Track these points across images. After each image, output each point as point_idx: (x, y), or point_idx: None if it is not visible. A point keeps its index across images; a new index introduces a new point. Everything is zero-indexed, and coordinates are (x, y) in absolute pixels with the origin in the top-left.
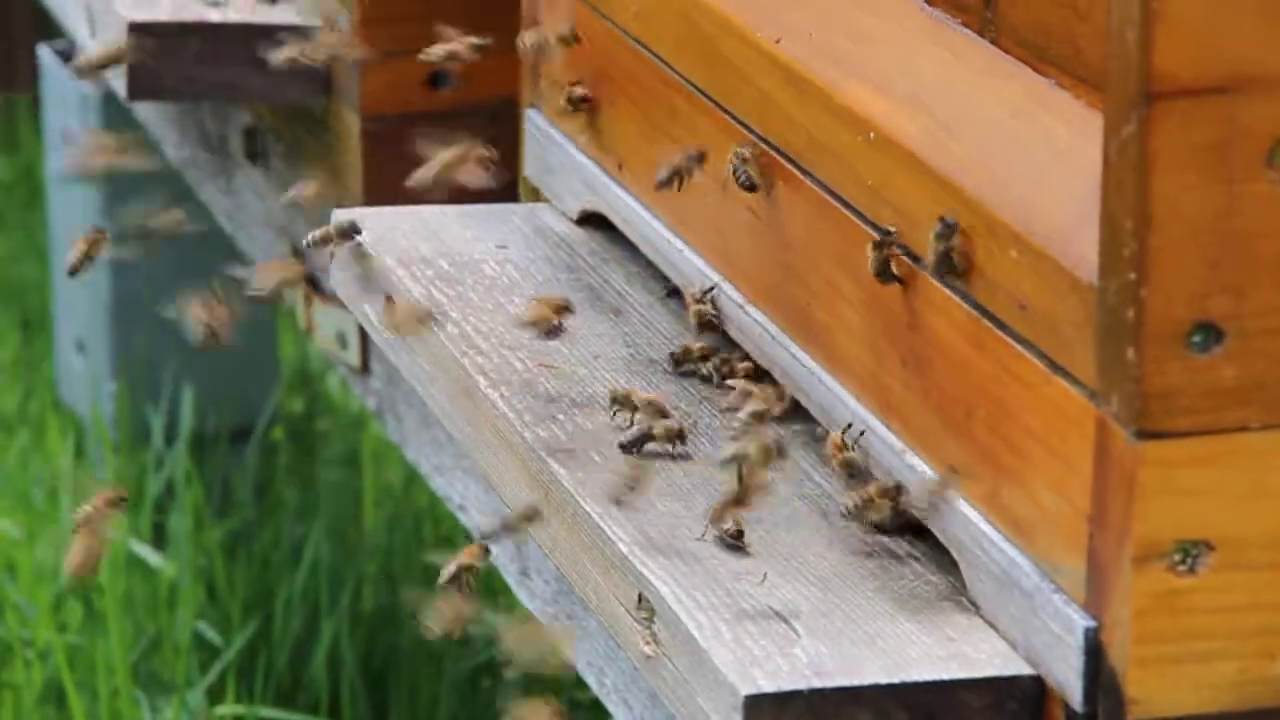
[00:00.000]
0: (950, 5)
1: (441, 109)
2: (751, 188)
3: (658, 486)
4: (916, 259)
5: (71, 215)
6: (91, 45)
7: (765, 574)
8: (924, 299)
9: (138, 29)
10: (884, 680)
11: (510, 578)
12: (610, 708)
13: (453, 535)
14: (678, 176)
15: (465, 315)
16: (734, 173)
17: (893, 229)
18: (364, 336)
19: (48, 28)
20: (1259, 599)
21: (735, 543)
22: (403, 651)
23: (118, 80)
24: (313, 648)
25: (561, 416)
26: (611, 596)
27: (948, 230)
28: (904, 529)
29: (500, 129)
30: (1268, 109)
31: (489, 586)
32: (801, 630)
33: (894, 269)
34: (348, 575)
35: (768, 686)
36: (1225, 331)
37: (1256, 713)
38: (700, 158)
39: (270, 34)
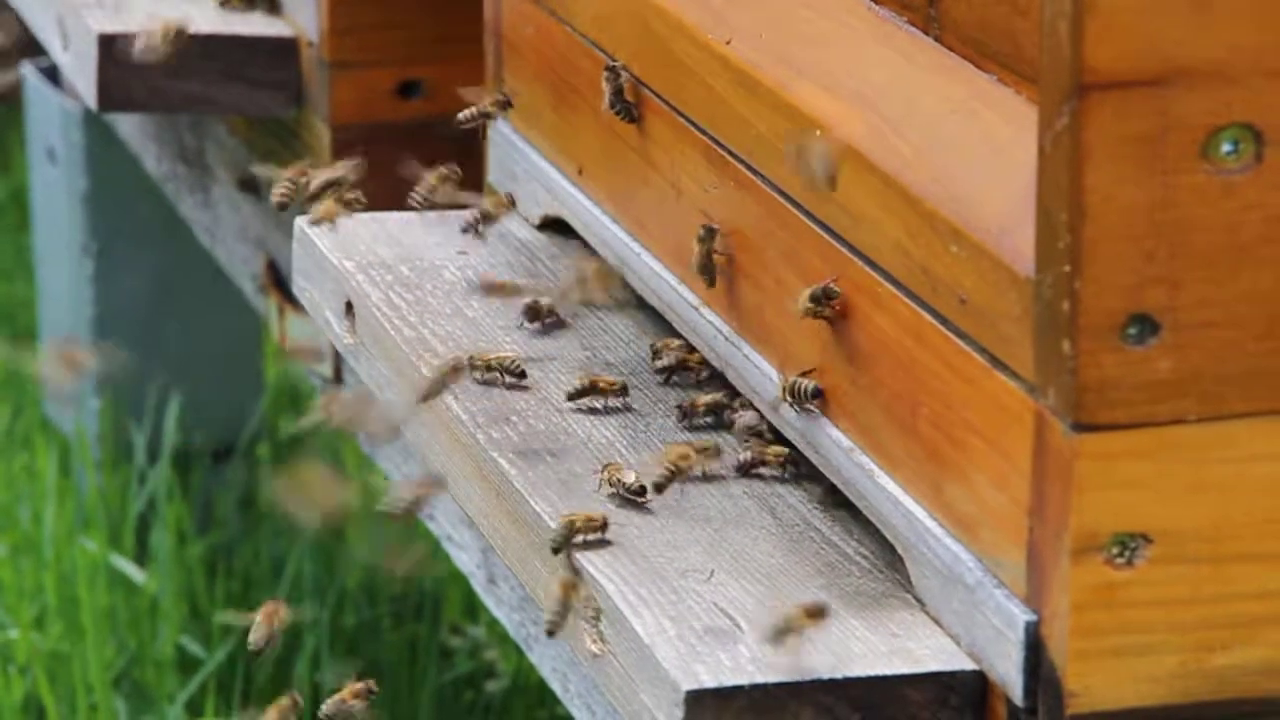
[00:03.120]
0: (896, 4)
1: (410, 118)
2: (632, 119)
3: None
4: (864, 256)
5: (57, 232)
6: (64, 58)
7: (712, 571)
8: (869, 296)
9: (107, 41)
10: (826, 675)
11: (478, 585)
12: (574, 712)
13: (433, 549)
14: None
15: (423, 319)
16: (610, 104)
17: (838, 290)
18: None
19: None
20: (1197, 592)
21: (632, 497)
22: (384, 665)
23: (89, 93)
24: (294, 661)
25: (515, 418)
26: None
27: (708, 234)
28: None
29: (466, 137)
30: (1200, 101)
31: (471, 604)
32: (745, 626)
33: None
34: (329, 591)
35: (709, 682)
36: (1160, 324)
37: (1196, 705)
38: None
39: (240, 45)
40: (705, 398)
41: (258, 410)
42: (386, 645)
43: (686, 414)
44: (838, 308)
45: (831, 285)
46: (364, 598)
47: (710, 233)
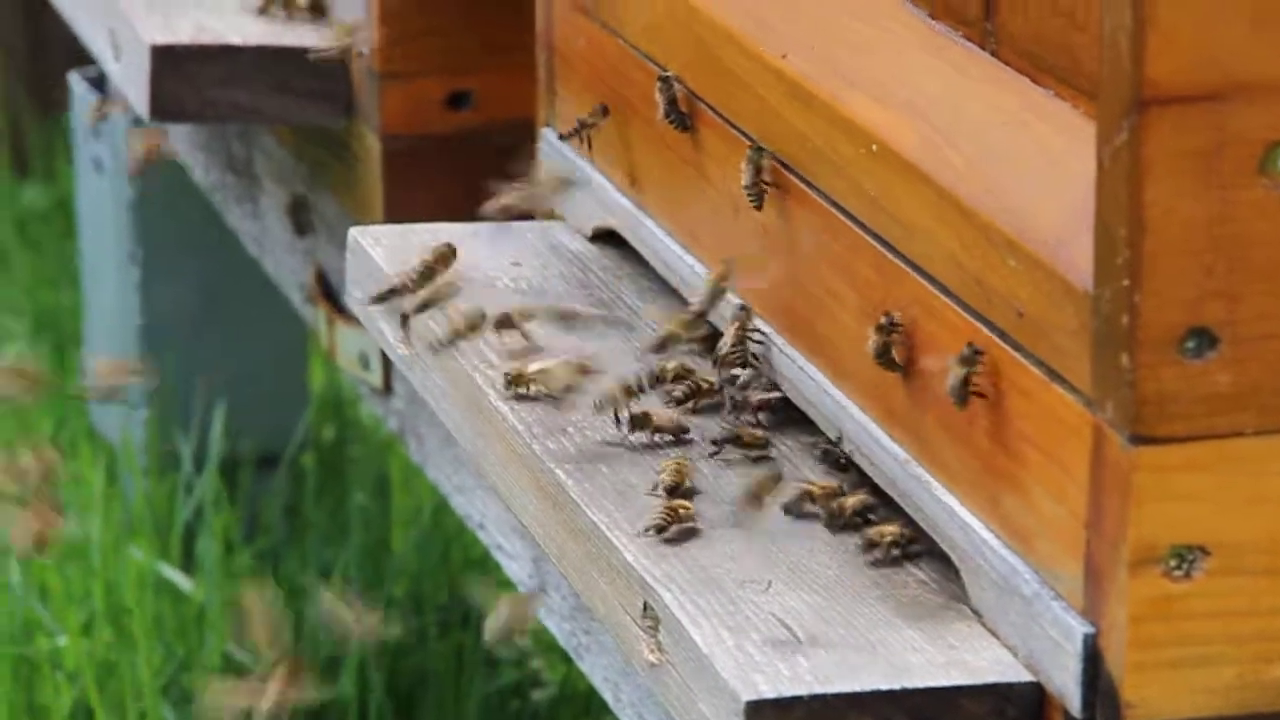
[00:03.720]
0: (952, 18)
1: (459, 129)
2: (685, 128)
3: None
4: (918, 268)
5: (104, 242)
6: (115, 68)
7: (770, 581)
8: (924, 308)
9: (159, 52)
10: (884, 686)
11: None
12: None
13: (481, 558)
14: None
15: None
16: (665, 115)
17: (898, 317)
18: (386, 357)
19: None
20: (1256, 604)
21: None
22: (430, 674)
23: (140, 103)
24: (340, 671)
25: (570, 429)
26: (618, 606)
27: (890, 325)
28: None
29: (515, 148)
30: (1259, 115)
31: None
32: (804, 637)
33: (894, 355)
34: (376, 599)
35: (769, 692)
36: (1219, 337)
37: (1253, 717)
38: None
39: (290, 56)
40: (848, 498)
41: (304, 418)
42: (433, 654)
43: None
44: (902, 337)
45: (894, 316)
46: (410, 606)
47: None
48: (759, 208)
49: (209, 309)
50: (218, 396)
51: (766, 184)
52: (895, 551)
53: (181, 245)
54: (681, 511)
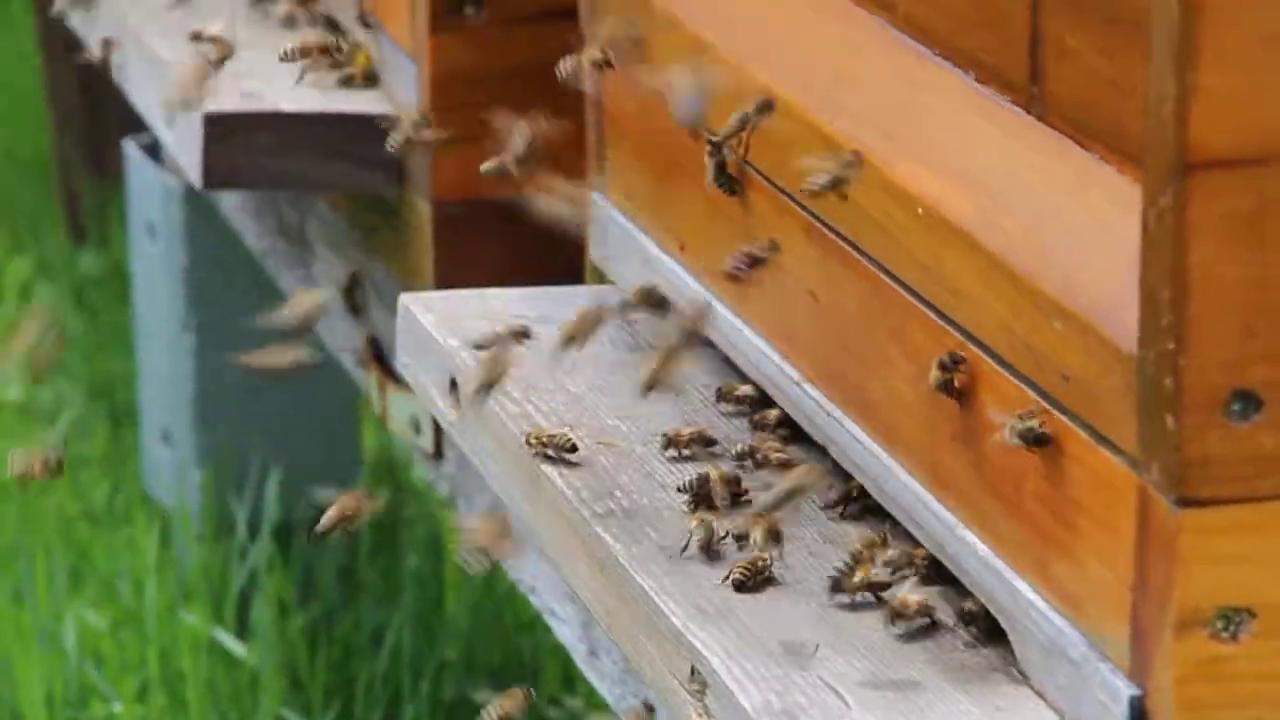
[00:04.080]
0: (999, 83)
1: (511, 195)
2: (734, 192)
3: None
4: (967, 333)
5: (158, 307)
6: (168, 135)
7: (817, 645)
8: (973, 372)
9: (212, 120)
10: None
11: (579, 658)
12: None
13: (532, 621)
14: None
15: (526, 394)
16: (714, 179)
17: (964, 356)
18: (436, 422)
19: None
20: None
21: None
22: None
23: (193, 170)
24: None
25: (618, 492)
26: (665, 670)
27: (953, 362)
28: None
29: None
30: None
31: (568, 675)
32: (852, 701)
33: (956, 385)
34: (429, 661)
35: None
36: (1264, 400)
37: None
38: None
39: (342, 122)
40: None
41: (357, 482)
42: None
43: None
44: (963, 374)
45: (956, 352)
46: (464, 668)
47: (955, 361)
48: (734, 194)
49: (262, 375)
50: (272, 461)
51: (729, 172)
52: (923, 620)
53: (235, 311)
54: (760, 564)
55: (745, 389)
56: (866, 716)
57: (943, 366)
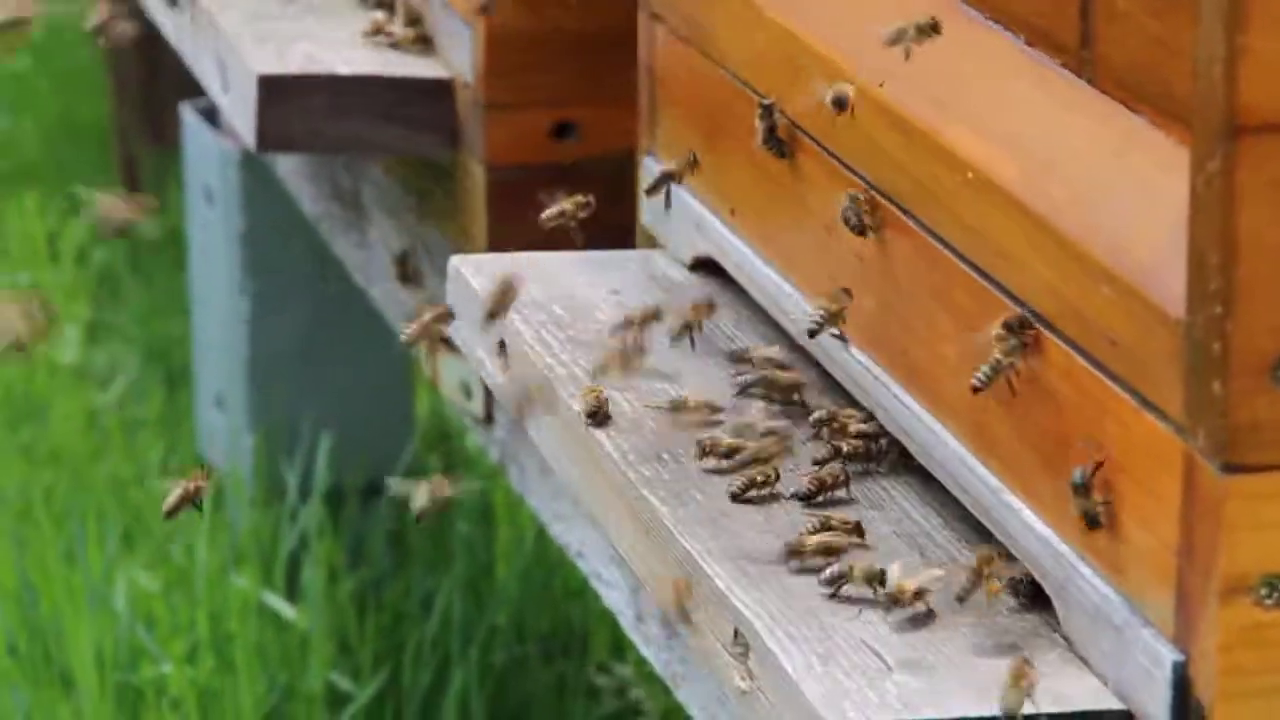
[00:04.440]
0: (1048, 46)
1: (565, 159)
2: (861, 230)
3: (756, 523)
4: (1015, 297)
5: (214, 272)
6: (224, 100)
7: (860, 609)
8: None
9: (267, 82)
10: (973, 713)
11: (626, 623)
12: None
13: (582, 587)
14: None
15: (575, 358)
16: (843, 215)
17: (771, 99)
18: (487, 387)
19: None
20: None
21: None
22: (533, 701)
23: (248, 134)
24: (443, 698)
25: (666, 456)
26: (709, 632)
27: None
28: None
29: (622, 178)
30: None
31: (618, 642)
32: (893, 663)
33: (780, 135)
34: (478, 627)
35: (857, 718)
36: None
37: None
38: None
39: (396, 86)
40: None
41: (409, 448)
42: (534, 682)
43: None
44: (1030, 338)
45: (1025, 316)
46: (513, 634)
47: (1024, 324)
48: (784, 156)
49: (316, 339)
50: (325, 427)
51: (779, 135)
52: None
53: (291, 276)
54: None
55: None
56: (907, 678)
57: (1010, 329)
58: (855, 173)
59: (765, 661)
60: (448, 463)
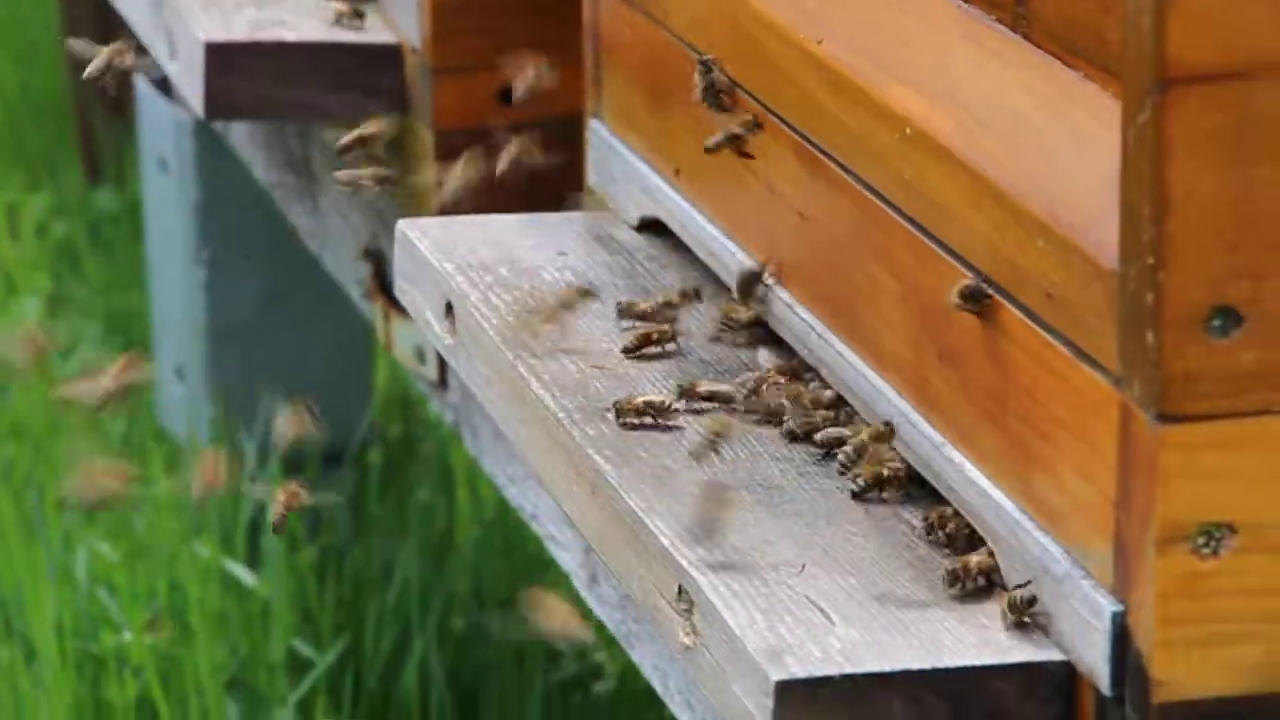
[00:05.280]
0: (984, 2)
1: (512, 122)
2: (724, 109)
3: (700, 480)
4: (953, 252)
5: (170, 242)
6: (172, 68)
7: (804, 564)
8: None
9: (214, 49)
10: (915, 666)
11: (580, 584)
12: (674, 710)
13: (541, 552)
14: (731, 143)
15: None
16: (702, 96)
17: (711, 57)
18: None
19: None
20: None
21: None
22: (492, 667)
23: (196, 102)
24: (403, 664)
25: (610, 415)
26: (654, 589)
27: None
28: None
29: (568, 139)
30: None
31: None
32: (836, 618)
33: (722, 97)
34: (438, 594)
35: (799, 672)
36: (1244, 315)
37: None
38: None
39: (344, 52)
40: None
41: (367, 416)
42: (494, 648)
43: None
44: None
45: (980, 286)
46: (472, 601)
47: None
48: (723, 110)
49: (273, 308)
50: (284, 395)
51: (720, 91)
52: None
53: (246, 245)
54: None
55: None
56: (850, 632)
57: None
58: (795, 130)
59: (708, 617)
60: (407, 429)
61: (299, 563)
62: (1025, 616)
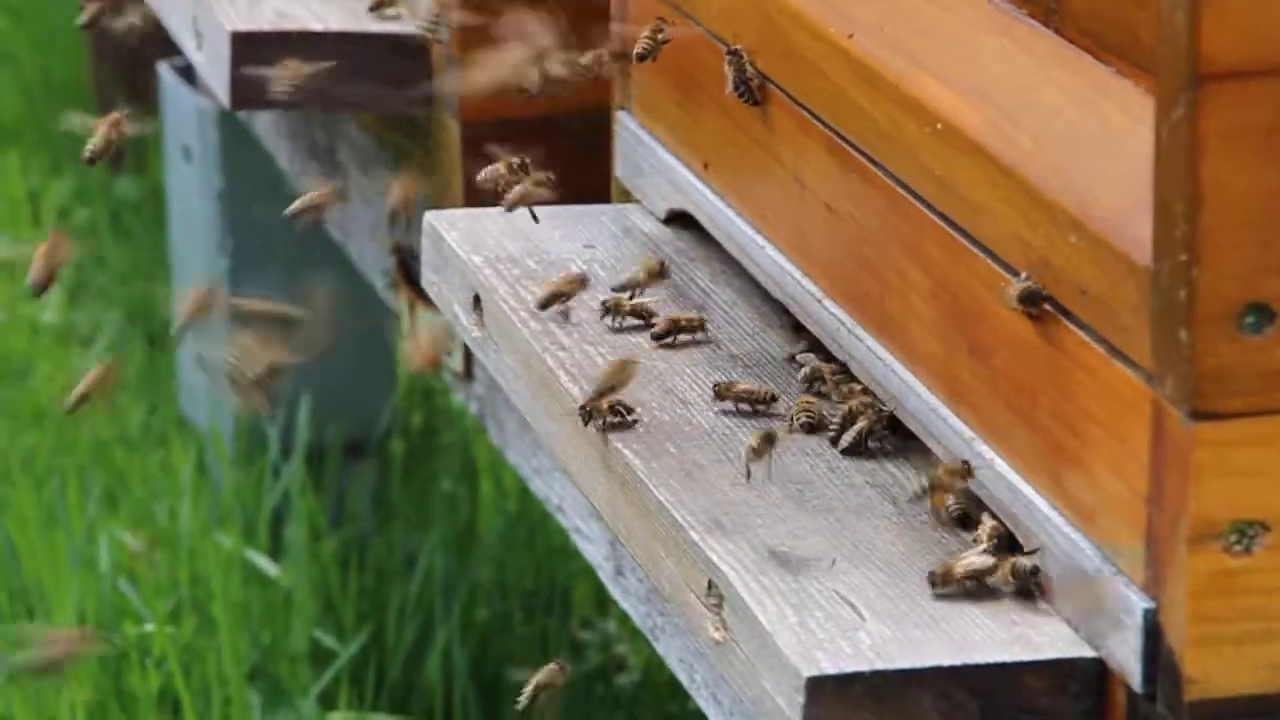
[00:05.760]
0: None
1: (538, 114)
2: (755, 101)
3: (730, 475)
4: (984, 247)
5: (193, 231)
6: (198, 57)
7: (834, 560)
8: (989, 287)
9: (240, 38)
10: (946, 662)
11: (605, 577)
12: (701, 704)
13: (565, 544)
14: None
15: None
16: (734, 88)
17: (740, 48)
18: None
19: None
20: None
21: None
22: (515, 659)
23: (222, 91)
24: (426, 655)
25: (639, 408)
26: (684, 584)
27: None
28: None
29: (596, 132)
30: None
31: (600, 598)
32: (867, 614)
33: (752, 88)
34: (461, 584)
35: (830, 668)
36: (1277, 312)
37: None
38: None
39: (370, 42)
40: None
41: (391, 405)
42: (517, 639)
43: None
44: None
45: (1037, 288)
46: (496, 592)
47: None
48: (756, 103)
49: (296, 297)
50: (306, 384)
51: (752, 81)
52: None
53: (269, 234)
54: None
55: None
56: (880, 629)
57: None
58: (826, 124)
59: (739, 613)
60: (429, 419)
61: (321, 553)
62: (1030, 585)
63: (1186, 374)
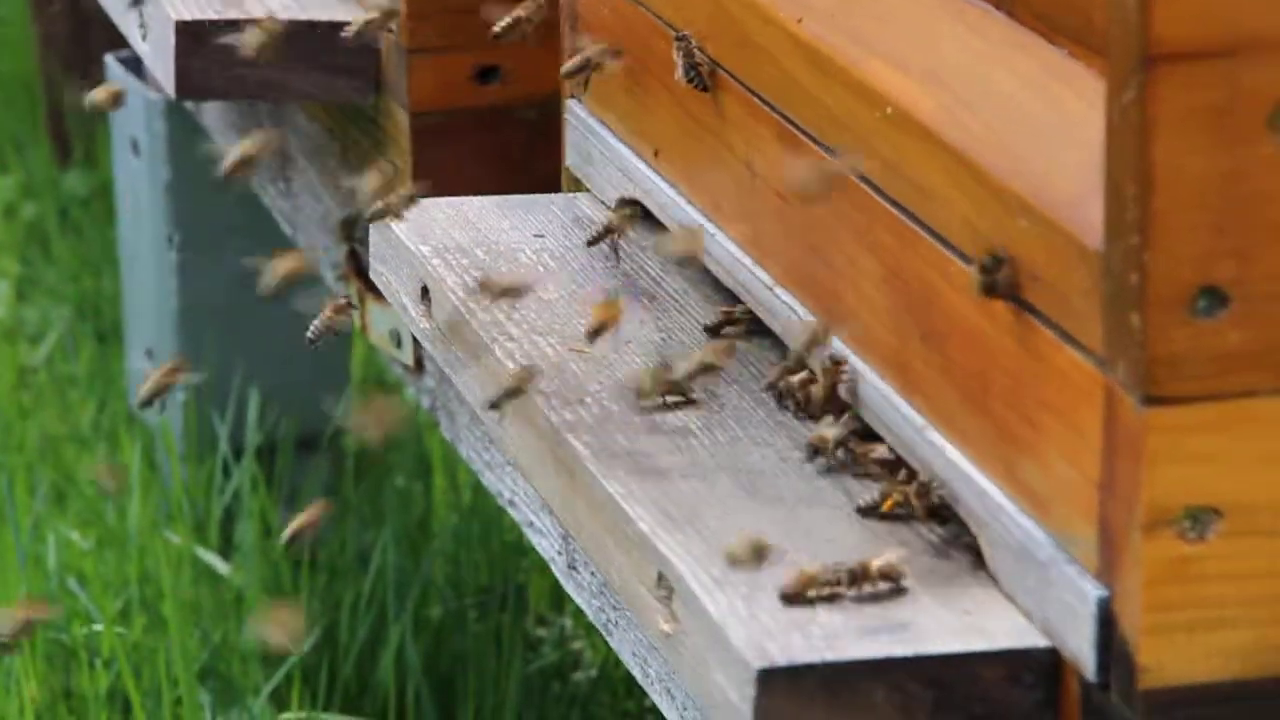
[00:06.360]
0: None
1: (488, 103)
2: (705, 87)
3: (680, 466)
4: (934, 232)
5: (142, 224)
6: (144, 48)
7: (786, 551)
8: (940, 273)
9: (184, 28)
10: (899, 653)
11: (558, 571)
12: (654, 698)
13: (519, 539)
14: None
15: (498, 302)
16: (685, 74)
17: (688, 33)
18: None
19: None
20: (1271, 565)
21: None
22: (469, 656)
23: (167, 81)
24: (379, 653)
25: (588, 399)
26: (633, 576)
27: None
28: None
29: (546, 121)
30: (1268, 71)
31: (556, 594)
32: (819, 605)
33: (702, 74)
34: (414, 581)
35: (781, 660)
36: (1230, 296)
37: (1270, 680)
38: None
39: (318, 31)
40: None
41: (342, 401)
42: (472, 636)
43: (818, 451)
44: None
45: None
46: (449, 589)
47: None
48: (706, 89)
49: (246, 290)
50: (257, 379)
51: (701, 67)
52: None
53: (219, 227)
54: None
55: None
56: (832, 618)
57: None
58: (776, 110)
59: (689, 605)
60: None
61: (273, 551)
62: (932, 499)
63: (1138, 359)
